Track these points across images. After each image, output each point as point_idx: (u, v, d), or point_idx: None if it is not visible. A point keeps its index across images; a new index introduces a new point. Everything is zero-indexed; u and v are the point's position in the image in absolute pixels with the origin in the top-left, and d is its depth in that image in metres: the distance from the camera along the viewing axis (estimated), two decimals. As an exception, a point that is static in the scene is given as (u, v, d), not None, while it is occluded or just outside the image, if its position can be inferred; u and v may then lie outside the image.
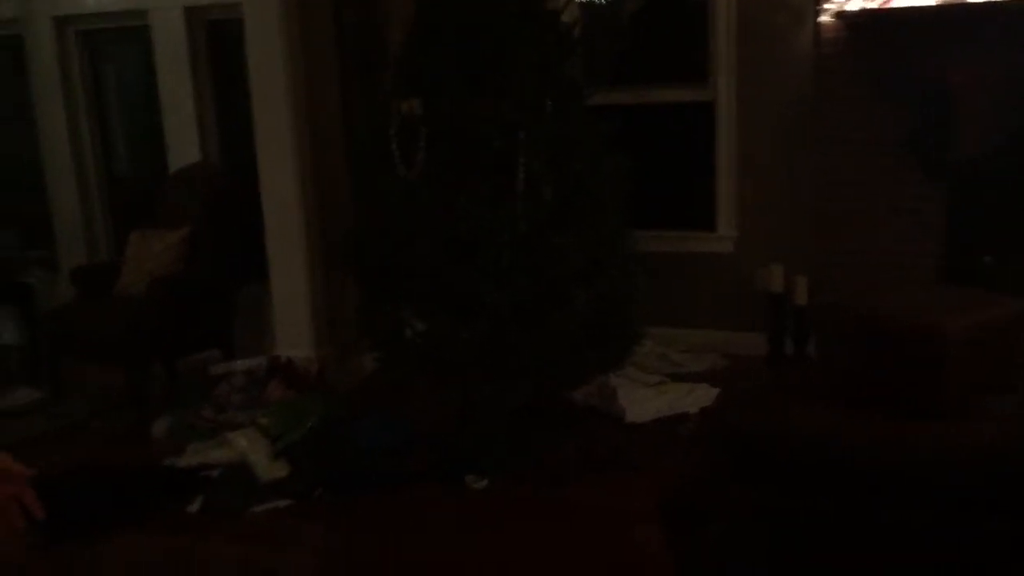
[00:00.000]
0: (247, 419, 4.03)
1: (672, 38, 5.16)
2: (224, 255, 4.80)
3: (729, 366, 4.80)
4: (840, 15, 4.31)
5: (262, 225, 4.48)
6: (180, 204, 4.92)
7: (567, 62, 4.00)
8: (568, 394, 4.23)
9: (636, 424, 4.13)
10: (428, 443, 3.87)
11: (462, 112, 3.57)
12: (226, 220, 4.78)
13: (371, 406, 4.21)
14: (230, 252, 4.83)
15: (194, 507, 3.55)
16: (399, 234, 3.70)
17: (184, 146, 5.33)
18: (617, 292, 3.86)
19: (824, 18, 4.42)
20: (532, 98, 3.66)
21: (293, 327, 4.50)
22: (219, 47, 5.29)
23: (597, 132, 4.00)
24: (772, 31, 4.69)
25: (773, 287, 4.79)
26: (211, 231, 4.71)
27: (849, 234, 4.63)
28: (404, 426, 3.92)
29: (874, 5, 4.19)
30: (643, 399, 4.31)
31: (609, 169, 3.91)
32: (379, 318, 3.92)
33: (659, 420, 4.15)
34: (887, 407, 3.93)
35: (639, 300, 4.15)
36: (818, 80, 4.59)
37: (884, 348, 4.07)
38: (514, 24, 3.65)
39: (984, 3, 4.00)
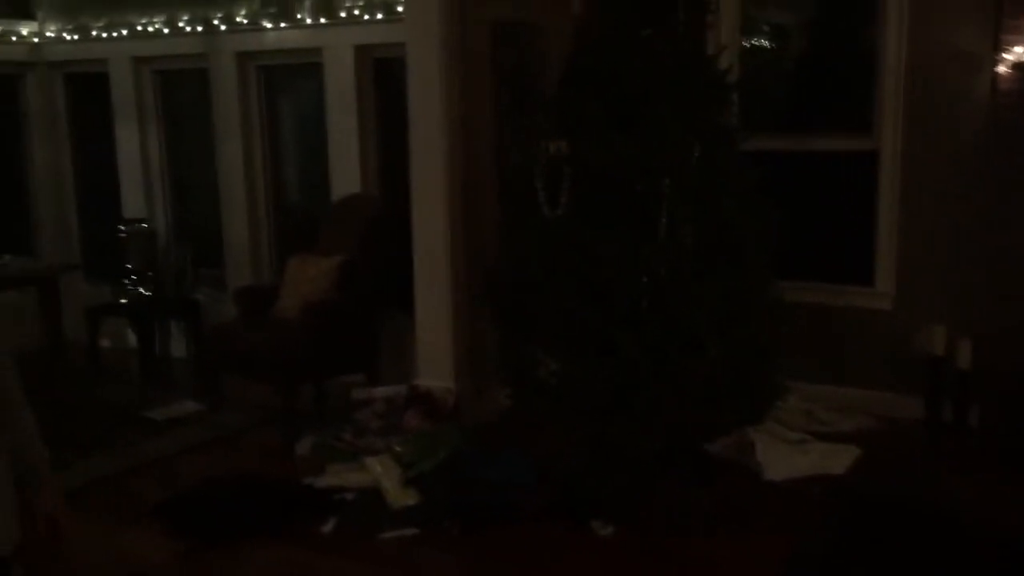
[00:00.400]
0: (384, 445, 4.14)
1: (836, 84, 5.01)
2: (374, 284, 4.97)
3: (880, 429, 4.56)
4: (1019, 66, 4.07)
5: (412, 256, 4.61)
6: (338, 232, 5.13)
7: (720, 107, 3.95)
8: (704, 445, 4.12)
9: (774, 482, 3.97)
10: (556, 483, 3.86)
11: (608, 155, 3.58)
12: (378, 250, 4.95)
13: (503, 442, 4.23)
14: (380, 281, 4.99)
15: (328, 527, 3.67)
16: (539, 273, 3.73)
17: (347, 177, 5.56)
18: (758, 343, 3.75)
19: (1002, 68, 4.18)
20: (679, 143, 3.62)
21: (434, 358, 4.59)
22: (384, 84, 5.50)
23: (747, 179, 3.92)
24: (944, 80, 4.47)
25: (934, 348, 4.52)
26: (363, 260, 4.89)
27: (1019, 296, 4.33)
28: (533, 464, 3.91)
29: (1056, 55, 3.93)
30: (783, 456, 4.15)
31: (756, 217, 3.82)
32: (514, 355, 3.95)
33: (798, 480, 3.98)
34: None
35: (783, 352, 4.02)
36: (995, 131, 4.33)
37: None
38: (665, 69, 3.63)
39: None
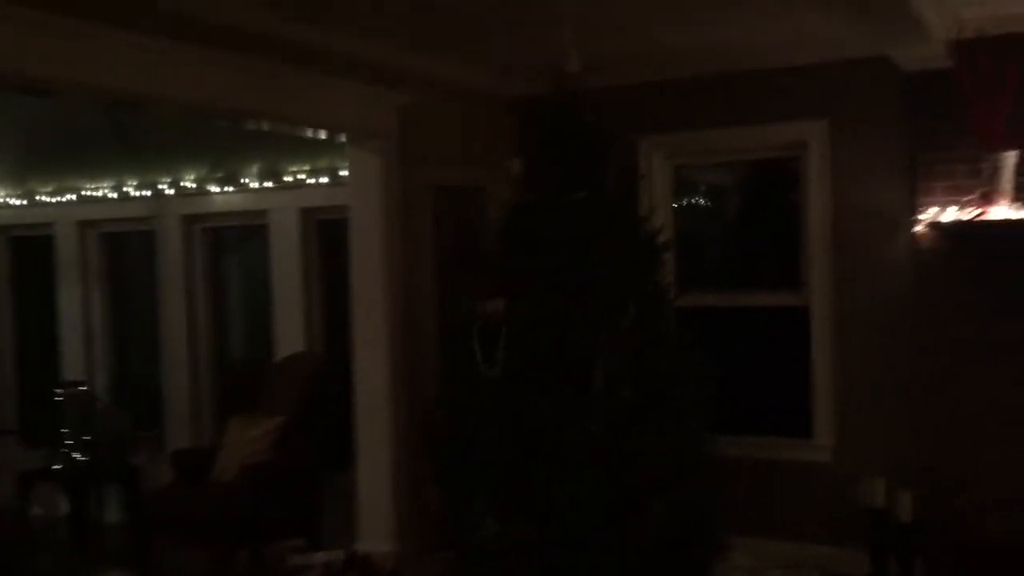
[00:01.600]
0: (320, 614, 3.98)
1: (767, 243, 5.20)
2: (316, 443, 4.90)
3: (827, 585, 4.50)
4: (935, 225, 4.28)
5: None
6: (280, 392, 5.09)
7: (654, 265, 4.07)
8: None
9: (723, 644, 3.87)
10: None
11: (544, 312, 3.64)
12: (320, 409, 4.91)
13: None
14: (322, 440, 4.93)
15: None
16: (477, 430, 3.71)
17: (291, 336, 5.57)
18: (699, 499, 3.73)
19: (919, 228, 4.39)
20: (615, 300, 3.71)
21: (375, 519, 4.50)
22: (328, 243, 5.60)
23: (682, 335, 4.00)
24: (867, 239, 4.67)
25: (875, 501, 4.53)
26: (305, 419, 4.84)
27: (957, 447, 4.39)
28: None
29: (967, 217, 4.14)
30: (731, 616, 4.06)
31: (693, 372, 3.88)
32: (456, 515, 3.88)
33: (747, 642, 3.88)
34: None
35: (726, 509, 4.00)
36: (918, 288, 4.50)
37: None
38: (599, 229, 3.76)
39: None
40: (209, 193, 5.82)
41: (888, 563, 4.49)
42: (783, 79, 4.78)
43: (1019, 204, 4.08)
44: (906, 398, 4.56)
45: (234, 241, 6.14)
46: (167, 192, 5.96)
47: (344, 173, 4.98)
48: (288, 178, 5.54)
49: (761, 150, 5.03)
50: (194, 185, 5.87)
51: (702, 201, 5.55)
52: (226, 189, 5.76)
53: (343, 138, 4.51)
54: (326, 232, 5.62)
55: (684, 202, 5.44)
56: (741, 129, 4.92)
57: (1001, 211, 4.08)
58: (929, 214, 4.32)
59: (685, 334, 4.01)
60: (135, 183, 6.07)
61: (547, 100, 3.96)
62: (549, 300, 3.68)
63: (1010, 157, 4.08)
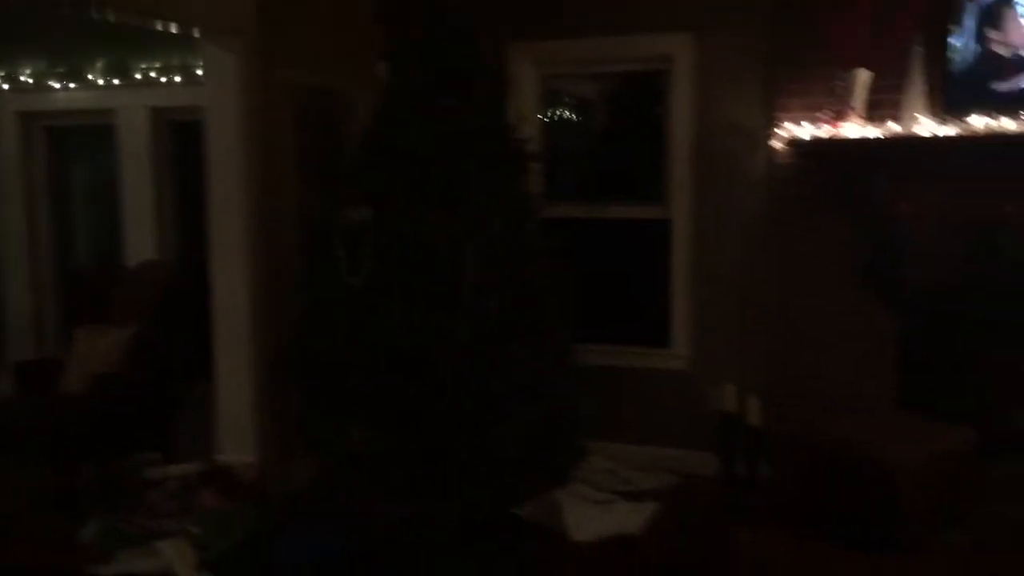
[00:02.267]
0: (178, 527, 3.89)
1: (633, 156, 5.26)
2: (170, 355, 4.74)
3: (679, 485, 4.72)
4: (791, 142, 4.41)
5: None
6: (131, 301, 4.87)
7: (521, 176, 4.06)
8: (512, 509, 4.12)
9: (581, 543, 4.02)
10: (364, 557, 3.74)
11: (410, 222, 3.59)
12: (174, 319, 4.73)
13: (309, 515, 4.07)
14: (177, 352, 4.76)
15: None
16: (342, 340, 3.66)
17: (142, 244, 5.32)
18: (562, 407, 3.82)
19: (776, 144, 4.52)
20: (482, 211, 3.69)
21: (235, 430, 4.40)
22: (183, 148, 5.33)
23: (548, 246, 4.03)
24: (727, 154, 4.77)
25: (726, 406, 4.75)
26: (158, 330, 4.66)
27: (802, 357, 4.63)
28: (338, 540, 3.78)
29: (823, 135, 4.28)
30: (589, 517, 4.21)
31: (558, 283, 3.92)
32: (320, 424, 3.85)
33: (604, 539, 4.04)
34: (841, 536, 3.88)
35: (586, 415, 4.11)
36: (772, 205, 4.66)
37: (838, 478, 4.06)
38: (466, 137, 3.70)
39: (927, 138, 4.10)
40: (50, 89, 5.41)
41: (736, 464, 4.75)
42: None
43: (870, 122, 4.25)
44: (758, 310, 4.75)
45: (79, 142, 5.75)
46: (1, 87, 5.50)
47: (199, 72, 4.70)
48: (137, 75, 5.20)
49: (628, 62, 5.04)
50: (32, 80, 5.44)
51: (570, 113, 5.55)
52: (69, 85, 5.36)
53: (197, 33, 4.24)
54: (180, 134, 5.34)
55: (552, 113, 5.42)
56: (609, 40, 4.91)
57: (853, 129, 4.24)
58: (786, 130, 4.44)
59: (551, 245, 4.04)
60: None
61: (416, 2, 3.83)
62: (416, 209, 3.63)
63: (862, 75, 4.23)
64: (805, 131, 4.36)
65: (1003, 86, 4.12)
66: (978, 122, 4.03)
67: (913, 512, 3.77)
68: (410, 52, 3.97)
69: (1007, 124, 3.99)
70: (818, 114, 4.37)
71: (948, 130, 4.08)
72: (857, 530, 3.86)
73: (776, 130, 4.51)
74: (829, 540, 3.88)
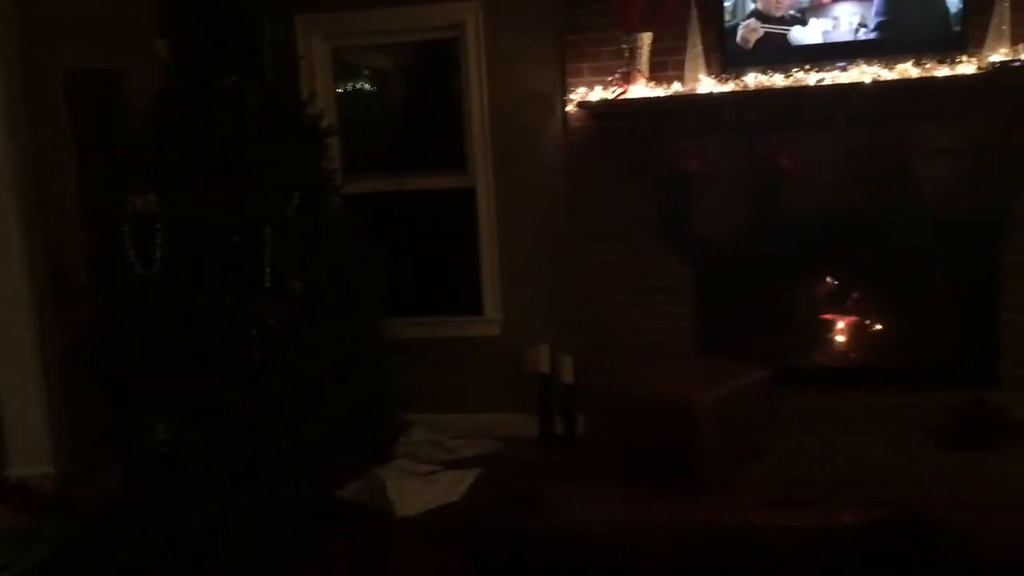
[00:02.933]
0: (-30, 551, 3.60)
1: (433, 126, 5.24)
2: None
3: (502, 449, 4.79)
4: (583, 105, 4.51)
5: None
6: None
7: (317, 152, 3.96)
8: (336, 492, 4.06)
9: (407, 518, 4.01)
10: (184, 558, 3.59)
11: (201, 206, 3.43)
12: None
13: (119, 523, 3.86)
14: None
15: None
16: (138, 335, 3.48)
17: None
18: (377, 383, 3.79)
19: (570, 108, 4.61)
20: (277, 190, 3.57)
21: (27, 442, 4.09)
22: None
23: (351, 222, 3.97)
24: (525, 120, 4.84)
25: (540, 367, 4.86)
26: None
27: (608, 313, 4.79)
28: (152, 542, 3.61)
29: (611, 96, 4.41)
30: (413, 491, 4.20)
31: (364, 259, 3.87)
32: (121, 426, 3.64)
33: (429, 512, 4.05)
34: (650, 481, 4.06)
35: (403, 390, 4.10)
36: (569, 166, 4.77)
37: (643, 426, 4.24)
38: (254, 116, 3.57)
39: (708, 95, 4.30)
40: None
41: (554, 422, 4.87)
42: (437, -44, 4.75)
43: (654, 83, 4.41)
44: (563, 271, 4.86)
45: None
46: None
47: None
48: None
49: (419, 31, 5.00)
50: None
51: (365, 85, 5.46)
52: None
53: (-58, 13, 3.87)
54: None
55: (347, 86, 5.31)
56: (398, 9, 4.84)
57: (639, 90, 4.39)
58: (578, 94, 4.54)
59: (355, 221, 3.98)
60: None
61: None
62: (206, 193, 3.47)
63: (646, 38, 4.38)
64: (596, 94, 4.48)
65: (773, 44, 4.37)
66: (751, 79, 4.27)
67: (711, 451, 4.00)
68: (189, 28, 3.78)
69: (777, 80, 4.25)
70: (608, 78, 4.50)
71: (725, 88, 4.30)
72: (663, 474, 4.05)
73: (569, 94, 4.61)
74: (639, 487, 4.06)
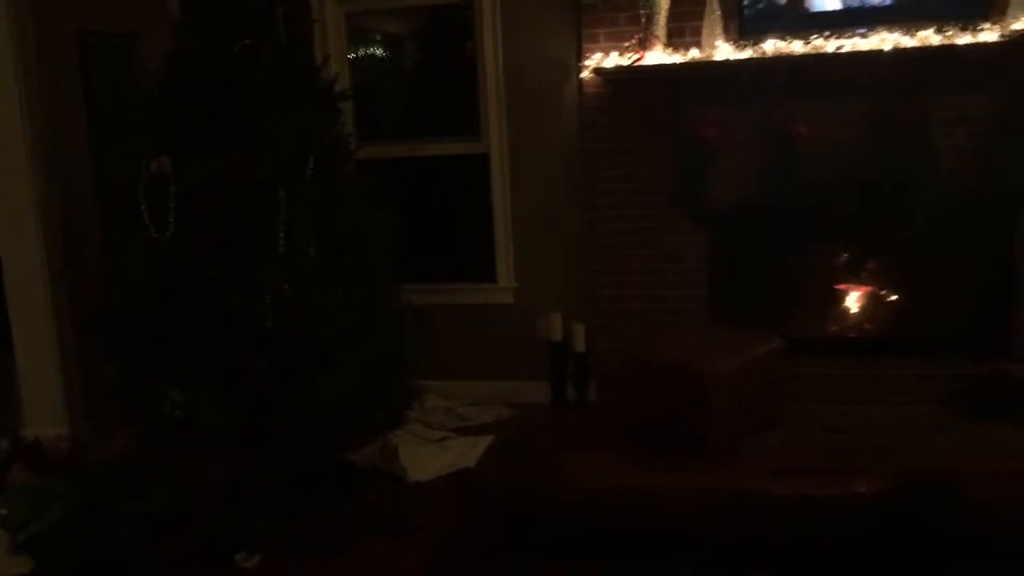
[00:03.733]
0: (-14, 510, 3.64)
1: (447, 91, 5.20)
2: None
3: (514, 416, 4.80)
4: (599, 71, 4.47)
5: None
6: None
7: (331, 117, 3.94)
8: (347, 457, 4.08)
9: (419, 483, 4.03)
10: (195, 521, 3.62)
11: (215, 169, 3.42)
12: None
13: (132, 485, 3.89)
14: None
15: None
16: (152, 300, 3.48)
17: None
18: (389, 348, 3.79)
19: (585, 74, 4.57)
20: (291, 154, 3.55)
21: (42, 402, 4.13)
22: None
23: (365, 187, 3.95)
24: (539, 86, 4.79)
25: (553, 335, 4.85)
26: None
27: (621, 281, 4.77)
28: (163, 504, 3.63)
29: (627, 63, 4.36)
30: (426, 456, 4.23)
31: (378, 224, 3.86)
32: (135, 389, 3.66)
33: (442, 477, 4.07)
34: (664, 448, 4.08)
35: (416, 356, 4.10)
36: (583, 134, 4.73)
37: (657, 393, 4.25)
38: (269, 79, 3.54)
39: (723, 62, 4.25)
40: None
41: (566, 389, 4.88)
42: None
43: (671, 49, 4.36)
44: (577, 238, 4.84)
45: None
46: None
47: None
48: None
49: (433, -5, 4.95)
50: None
51: (379, 51, 5.41)
52: None
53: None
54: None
55: (361, 51, 5.27)
56: (412, -28, 4.81)
57: (656, 56, 4.34)
58: (593, 60, 4.50)
59: (368, 186, 3.96)
60: None
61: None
62: (221, 156, 3.46)
63: (663, 4, 4.32)
64: (612, 60, 4.43)
65: (792, 10, 4.31)
66: (769, 46, 4.22)
67: (725, 419, 4.01)
68: (203, -11, 3.74)
69: (796, 47, 4.19)
70: (624, 44, 4.45)
71: (743, 55, 4.25)
72: (677, 442, 4.06)
73: (585, 60, 4.56)
74: (651, 452, 4.07)
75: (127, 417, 3.79)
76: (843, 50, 4.13)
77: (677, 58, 4.32)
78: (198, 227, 3.47)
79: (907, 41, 4.07)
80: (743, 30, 4.37)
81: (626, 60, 4.38)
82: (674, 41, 4.39)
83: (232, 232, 3.47)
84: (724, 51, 4.27)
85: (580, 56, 4.61)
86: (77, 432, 4.14)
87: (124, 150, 3.82)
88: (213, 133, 3.53)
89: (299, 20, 3.91)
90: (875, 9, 4.23)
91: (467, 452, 4.29)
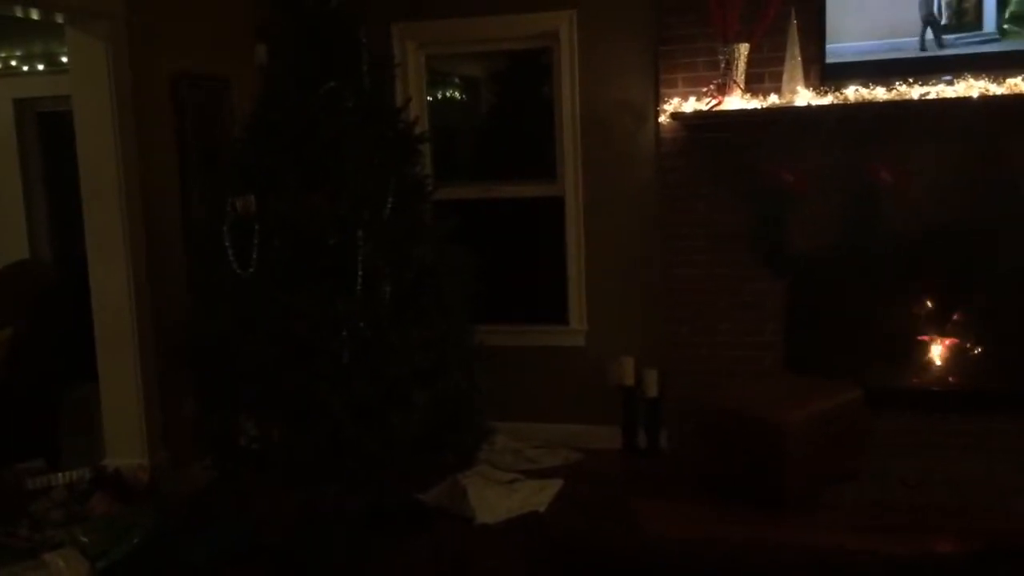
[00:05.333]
0: (67, 537, 3.72)
1: (523, 134, 5.26)
2: (50, 358, 4.52)
3: (583, 460, 4.76)
4: (676, 116, 4.46)
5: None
6: (4, 304, 4.62)
7: (410, 158, 4.00)
8: (417, 495, 4.09)
9: (487, 525, 4.01)
10: (268, 554, 3.66)
11: (298, 209, 3.50)
12: (53, 320, 4.51)
13: (208, 516, 3.96)
14: (57, 354, 4.55)
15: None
16: (234, 334, 3.55)
17: (13, 241, 5.04)
18: (462, 388, 3.80)
19: (663, 119, 4.57)
20: (371, 195, 3.62)
21: (123, 433, 4.23)
22: (51, 139, 5.07)
23: (442, 228, 3.99)
24: (616, 130, 4.81)
25: (625, 380, 4.81)
26: (35, 332, 4.44)
27: (696, 327, 4.72)
28: (239, 537, 3.68)
29: (705, 108, 4.35)
30: (495, 498, 4.21)
31: (453, 265, 3.89)
32: (213, 422, 3.73)
33: (511, 520, 4.04)
34: (736, 498, 3.99)
35: (486, 396, 4.10)
36: (660, 178, 4.72)
37: (731, 441, 4.17)
38: (351, 121, 3.62)
39: (807, 107, 4.21)
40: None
41: (637, 437, 4.82)
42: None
43: (750, 95, 4.34)
44: (651, 282, 4.81)
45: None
46: None
47: (65, 59, 4.47)
48: (-3, 64, 4.92)
49: (512, 40, 5.02)
50: None
51: (457, 93, 5.50)
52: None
53: (60, 19, 4.02)
54: (49, 125, 5.07)
55: (440, 94, 5.36)
56: (491, 18, 4.87)
57: (734, 101, 4.32)
58: (671, 105, 4.50)
59: (445, 227, 4.00)
60: None
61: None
62: (303, 195, 3.54)
63: (743, 49, 4.31)
64: (690, 105, 4.42)
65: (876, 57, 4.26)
66: (851, 92, 4.17)
67: (800, 470, 3.91)
68: (290, 34, 3.85)
69: (879, 93, 4.13)
70: (703, 88, 4.45)
71: (824, 100, 4.21)
72: (750, 492, 3.97)
73: (662, 105, 4.56)
74: (723, 502, 3.99)
75: (204, 448, 3.86)
76: (928, 97, 4.06)
77: (756, 103, 4.30)
78: (279, 264, 3.54)
79: (995, 88, 3.99)
80: (824, 76, 4.33)
81: (704, 105, 4.37)
82: (753, 87, 4.37)
83: (311, 269, 3.53)
84: (805, 97, 4.24)
85: (658, 100, 4.62)
86: (156, 463, 4.23)
87: (211, 189, 3.93)
88: (295, 173, 3.62)
89: (382, 64, 4.00)
90: (960, 57, 4.16)
91: (536, 495, 4.26)
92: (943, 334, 4.53)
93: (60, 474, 4.14)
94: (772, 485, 3.93)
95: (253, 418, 3.64)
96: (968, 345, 4.49)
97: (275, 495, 3.80)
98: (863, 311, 4.48)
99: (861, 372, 4.37)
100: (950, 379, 4.51)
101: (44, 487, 4.06)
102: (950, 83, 4.07)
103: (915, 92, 4.09)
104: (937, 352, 4.53)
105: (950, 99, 4.03)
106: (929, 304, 4.52)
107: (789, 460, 3.88)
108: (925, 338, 4.56)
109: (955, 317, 4.49)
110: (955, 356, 4.51)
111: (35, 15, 3.88)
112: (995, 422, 4.34)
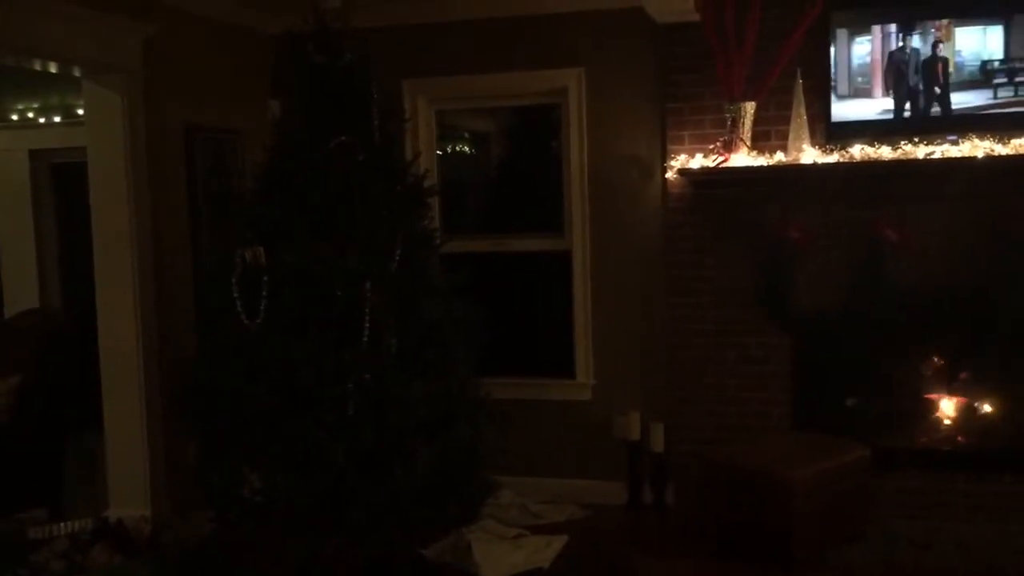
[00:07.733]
0: (68, 588, 3.70)
1: (531, 188, 5.30)
2: (56, 406, 4.52)
3: (588, 516, 4.70)
4: (683, 172, 4.51)
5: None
6: (13, 351, 4.64)
7: (419, 211, 4.03)
8: (420, 550, 4.05)
9: (491, 581, 3.96)
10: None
11: (306, 260, 3.52)
12: (60, 369, 4.52)
13: (209, 567, 3.92)
14: (63, 403, 4.55)
15: None
16: (238, 384, 3.56)
17: (23, 290, 5.08)
18: (466, 442, 3.78)
19: (669, 175, 4.61)
20: (380, 247, 3.64)
21: (127, 482, 4.23)
22: (64, 190, 5.13)
23: (449, 281, 4.01)
24: (623, 185, 4.84)
25: (630, 434, 4.79)
26: (42, 380, 4.44)
27: (702, 382, 4.72)
28: (239, 591, 3.65)
29: (712, 164, 4.40)
30: (500, 554, 4.15)
31: (460, 318, 3.90)
32: (216, 473, 3.71)
33: (515, 576, 3.99)
34: (742, 556, 3.95)
35: (493, 450, 4.08)
36: (667, 233, 4.75)
37: (737, 499, 4.14)
38: (362, 174, 3.66)
39: (812, 165, 4.25)
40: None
41: (643, 492, 4.78)
42: (540, 26, 4.82)
43: (756, 152, 4.38)
44: (657, 338, 4.82)
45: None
46: None
47: (80, 111, 4.55)
48: (14, 116, 4.99)
49: (521, 96, 5.09)
50: None
51: (466, 147, 5.56)
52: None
53: (77, 72, 4.10)
54: (63, 176, 5.14)
55: (449, 148, 5.42)
56: (501, 75, 4.94)
57: (740, 159, 4.37)
58: (678, 161, 4.54)
59: (452, 280, 4.02)
60: None
61: (307, 38, 3.79)
62: (311, 248, 3.56)
63: (749, 108, 4.37)
64: (697, 161, 4.47)
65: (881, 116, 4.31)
66: (857, 150, 4.21)
67: (807, 530, 3.87)
68: (303, 89, 3.91)
69: (884, 152, 4.17)
70: (709, 145, 4.50)
71: (830, 159, 4.25)
72: (756, 550, 3.93)
73: (669, 161, 4.61)
74: (729, 560, 3.94)
75: (207, 499, 3.83)
76: (933, 156, 4.10)
77: (762, 161, 4.34)
78: (286, 315, 3.56)
79: (1000, 149, 4.02)
80: (830, 134, 4.38)
81: (711, 161, 4.42)
82: (759, 144, 4.42)
83: (318, 320, 3.54)
84: (810, 155, 4.28)
85: (664, 157, 4.67)
86: (158, 513, 4.21)
87: (222, 240, 3.96)
88: (305, 224, 3.65)
89: (393, 118, 4.06)
90: (966, 116, 4.20)
91: (541, 551, 4.20)
92: (951, 393, 4.51)
93: (62, 524, 4.11)
94: (779, 543, 3.89)
95: (257, 468, 3.62)
96: (976, 404, 4.47)
97: (276, 546, 3.77)
98: (869, 369, 4.48)
99: (867, 431, 4.35)
100: (958, 438, 4.48)
101: (46, 537, 4.03)
102: (955, 143, 4.11)
103: (920, 151, 4.13)
104: (944, 411, 4.51)
105: (955, 159, 4.07)
106: (936, 362, 4.51)
107: (797, 517, 3.85)
108: (933, 396, 4.54)
109: (962, 376, 4.48)
110: (963, 415, 4.49)
111: (53, 68, 3.96)
112: (1003, 482, 4.31)
